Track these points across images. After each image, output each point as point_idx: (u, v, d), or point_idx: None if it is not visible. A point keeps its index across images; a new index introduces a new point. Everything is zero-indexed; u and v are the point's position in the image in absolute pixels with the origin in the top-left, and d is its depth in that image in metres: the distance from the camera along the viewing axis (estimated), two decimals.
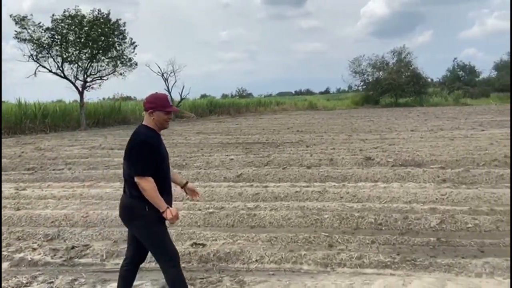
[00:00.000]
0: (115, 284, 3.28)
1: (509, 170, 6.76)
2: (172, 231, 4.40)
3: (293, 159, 8.71)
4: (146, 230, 2.58)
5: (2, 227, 4.74)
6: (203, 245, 4.05)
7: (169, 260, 2.63)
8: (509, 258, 3.45)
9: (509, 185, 5.99)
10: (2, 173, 8.04)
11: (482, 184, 6.12)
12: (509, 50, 33.96)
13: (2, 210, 5.36)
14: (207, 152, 10.44)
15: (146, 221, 2.54)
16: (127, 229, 4.56)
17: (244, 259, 3.69)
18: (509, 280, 3.14)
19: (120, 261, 3.76)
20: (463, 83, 37.22)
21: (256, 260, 3.65)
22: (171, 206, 2.72)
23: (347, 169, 7.45)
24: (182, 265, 3.60)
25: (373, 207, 5.19)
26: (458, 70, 39.25)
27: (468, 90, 35.50)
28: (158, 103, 2.63)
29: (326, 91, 65.28)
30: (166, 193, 2.67)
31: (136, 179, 2.49)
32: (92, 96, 55.57)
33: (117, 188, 6.65)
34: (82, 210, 5.42)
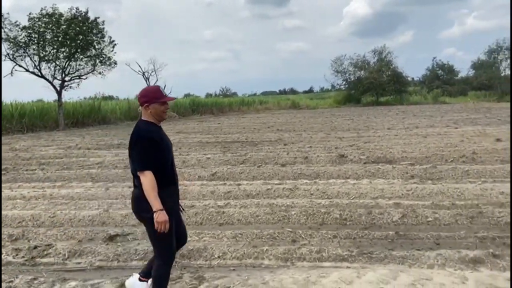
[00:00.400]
0: (74, 283, 3.30)
1: (475, 166, 6.98)
2: (137, 230, 4.43)
3: (269, 157, 8.79)
4: (151, 223, 2.58)
5: None
6: None
7: (164, 258, 2.70)
8: (462, 250, 3.58)
9: (473, 180, 6.19)
10: None
11: (447, 179, 6.30)
12: (486, 49, 34.76)
13: None
14: (185, 151, 10.43)
15: (152, 214, 2.54)
16: (92, 229, 4.58)
17: (207, 255, 3.73)
18: (459, 271, 3.27)
19: (82, 260, 3.78)
20: (442, 82, 37.98)
21: (219, 257, 3.70)
22: (178, 197, 2.80)
23: (320, 167, 7.57)
24: (145, 263, 3.64)
25: (340, 203, 5.29)
26: (437, 69, 40.03)
27: (447, 88, 36.28)
28: (151, 96, 2.65)
29: (310, 90, 65.75)
30: (172, 184, 2.72)
31: (138, 173, 2.55)
32: (73, 95, 54.70)
33: (88, 188, 6.62)
34: (50, 210, 5.37)
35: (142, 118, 2.69)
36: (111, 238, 4.23)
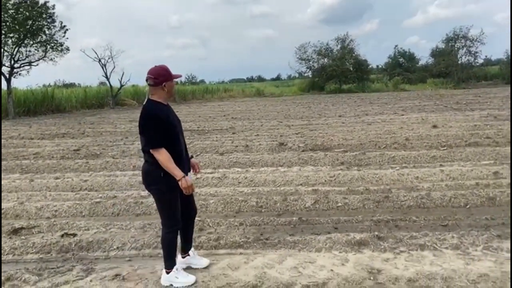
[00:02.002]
0: None
1: (402, 152, 7.25)
2: (44, 223, 4.37)
3: (211, 146, 8.81)
4: (159, 195, 2.86)
5: None
6: (74, 235, 4.04)
7: (169, 227, 2.93)
8: (350, 233, 3.75)
9: (395, 165, 6.45)
10: None
11: (372, 165, 6.53)
12: (444, 37, 35.81)
13: None
14: (130, 140, 10.28)
15: (160, 187, 2.80)
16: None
17: (106, 247, 3.73)
18: (343, 253, 3.42)
19: None
20: (403, 70, 38.87)
21: (117, 248, 3.71)
22: (187, 174, 2.92)
23: (257, 155, 7.65)
24: (40, 256, 3.61)
25: (262, 191, 5.39)
26: (399, 57, 40.88)
27: (407, 76, 37.18)
28: (168, 74, 2.84)
29: (277, 78, 65.83)
30: (181, 158, 2.88)
31: (151, 152, 2.73)
32: (31, 83, 52.58)
33: (13, 180, 6.43)
34: None
35: (150, 98, 2.83)
36: (15, 232, 4.15)
